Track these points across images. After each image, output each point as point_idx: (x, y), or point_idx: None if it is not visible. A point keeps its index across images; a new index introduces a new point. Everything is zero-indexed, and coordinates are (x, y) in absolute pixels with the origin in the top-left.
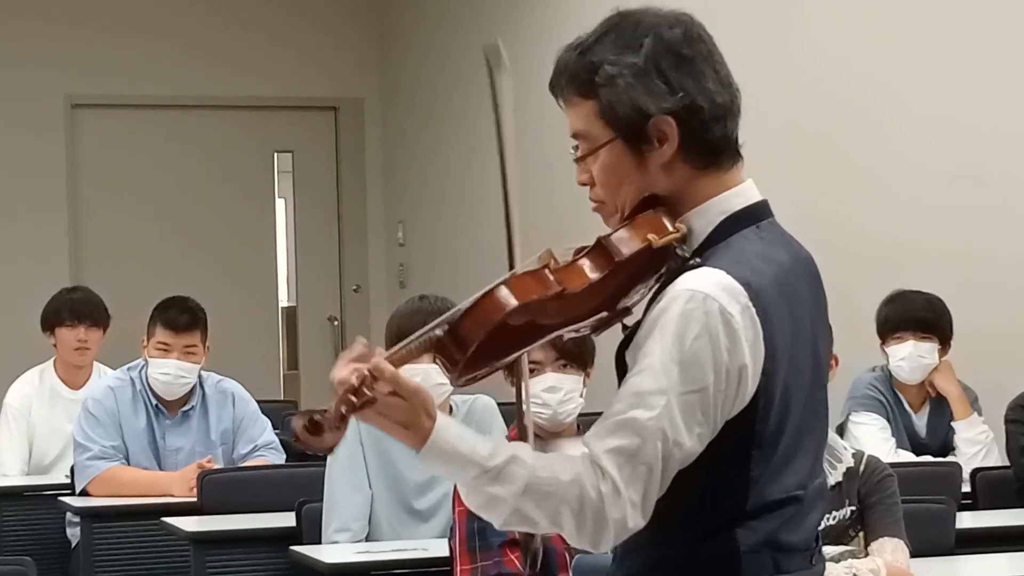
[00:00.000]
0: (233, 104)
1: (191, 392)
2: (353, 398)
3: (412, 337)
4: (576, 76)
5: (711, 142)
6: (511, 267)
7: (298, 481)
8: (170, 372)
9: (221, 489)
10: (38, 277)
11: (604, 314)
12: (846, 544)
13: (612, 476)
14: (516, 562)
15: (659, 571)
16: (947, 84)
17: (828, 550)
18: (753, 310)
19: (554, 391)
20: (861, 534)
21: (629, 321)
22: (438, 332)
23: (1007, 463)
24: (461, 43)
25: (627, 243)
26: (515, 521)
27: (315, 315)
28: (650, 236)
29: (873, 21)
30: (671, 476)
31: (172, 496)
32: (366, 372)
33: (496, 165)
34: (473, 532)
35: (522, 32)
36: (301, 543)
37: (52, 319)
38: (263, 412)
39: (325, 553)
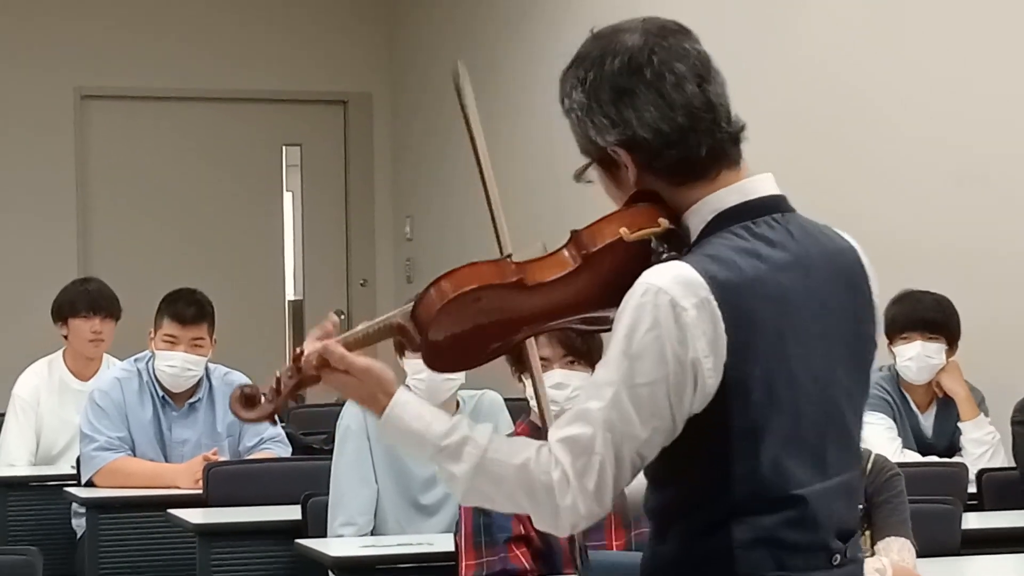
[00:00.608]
0: (242, 97)
1: (198, 384)
2: (288, 374)
3: (375, 320)
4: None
5: (669, 165)
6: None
7: (304, 474)
8: (177, 364)
9: (227, 482)
10: (46, 268)
11: (594, 314)
12: None
13: (563, 464)
14: (521, 558)
15: (662, 566)
16: (948, 83)
17: None
18: (714, 304)
19: (561, 388)
20: (867, 533)
21: None
22: (399, 318)
23: (1013, 464)
24: (472, 37)
25: (599, 236)
26: (473, 498)
27: (322, 309)
28: (622, 230)
29: (873, 21)
30: (629, 467)
31: (178, 488)
32: (315, 352)
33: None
34: (479, 527)
35: (531, 26)
36: (307, 536)
37: (67, 310)
38: None
39: (330, 546)
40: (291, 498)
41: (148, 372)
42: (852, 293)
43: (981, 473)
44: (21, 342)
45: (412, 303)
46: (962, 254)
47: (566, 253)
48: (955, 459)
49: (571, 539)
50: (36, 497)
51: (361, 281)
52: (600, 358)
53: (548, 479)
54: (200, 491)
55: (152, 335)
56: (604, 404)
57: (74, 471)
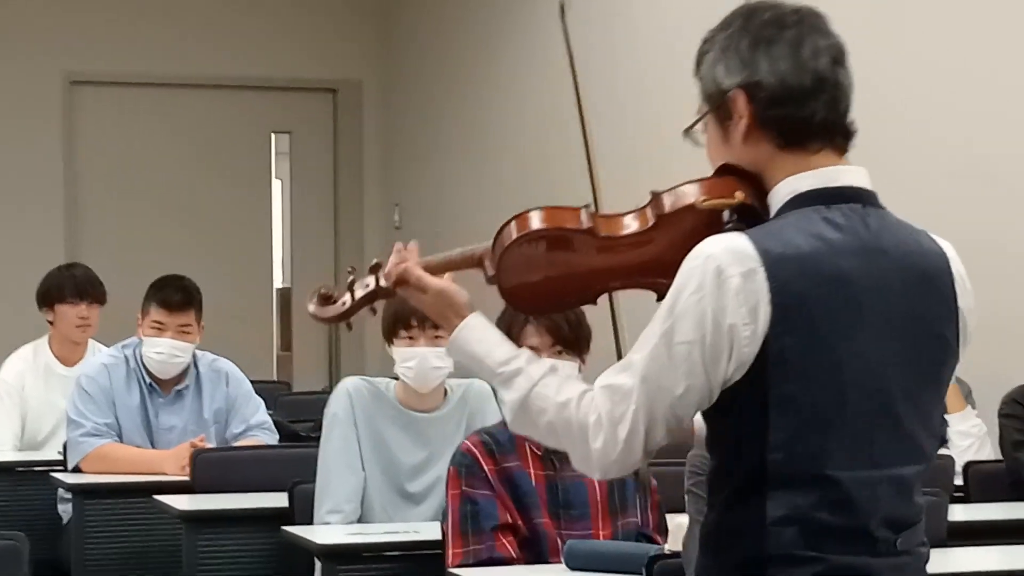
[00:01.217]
0: (231, 84)
1: (185, 371)
2: (365, 284)
3: (459, 249)
4: (695, 59)
5: (783, 120)
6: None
7: (291, 461)
8: (164, 351)
9: (214, 468)
10: (33, 254)
11: (661, 280)
12: None
13: (600, 410)
14: (508, 547)
15: (708, 535)
16: (948, 78)
17: None
18: (762, 274)
19: None
20: None
21: None
22: (480, 251)
23: (1000, 457)
24: (463, 26)
25: (675, 200)
26: (519, 425)
27: None
28: (697, 197)
29: (874, 16)
30: (662, 422)
31: (164, 474)
32: (395, 269)
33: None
34: (465, 515)
35: (525, 14)
36: (293, 523)
37: (53, 295)
38: (257, 392)
39: (317, 534)
40: (278, 485)
41: (135, 358)
42: (928, 293)
43: (967, 465)
44: (7, 327)
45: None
46: (956, 248)
47: (645, 212)
48: (941, 451)
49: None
50: (22, 482)
51: (349, 269)
52: (587, 347)
53: (584, 421)
54: (187, 478)
55: (140, 321)
56: (644, 356)
57: (60, 457)
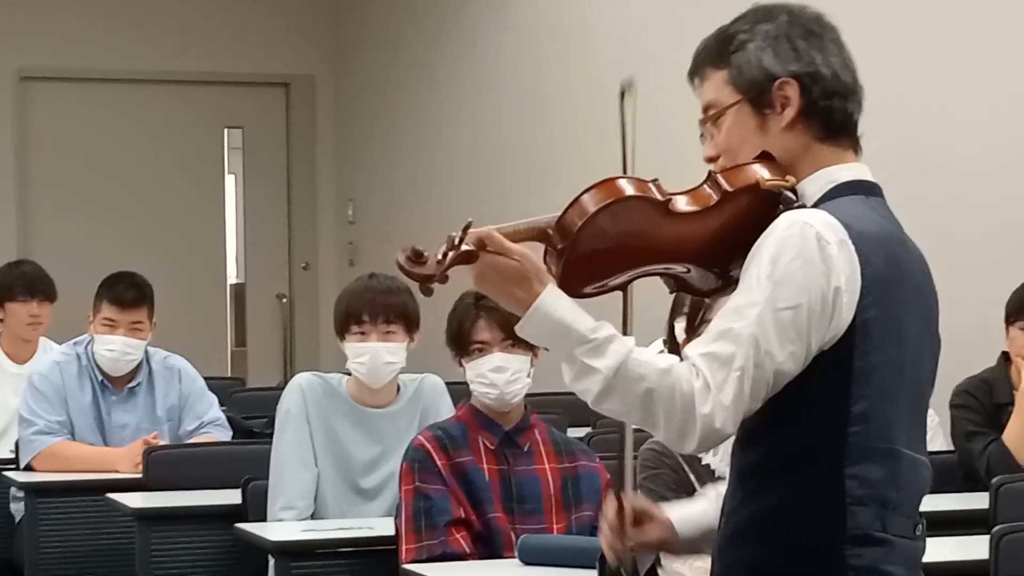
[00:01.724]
0: (184, 79)
1: (137, 368)
2: (456, 245)
3: (524, 220)
4: (713, 51)
5: (830, 112)
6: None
7: (244, 458)
8: (116, 348)
9: (167, 465)
10: None
11: (712, 271)
12: None
13: (705, 375)
14: (461, 541)
15: (764, 522)
16: (894, 74)
17: None
18: (852, 247)
19: (501, 371)
20: None
21: None
22: (544, 224)
23: (952, 448)
24: (415, 21)
25: (736, 178)
26: (607, 398)
27: (264, 292)
28: (759, 177)
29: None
30: (763, 390)
31: (117, 472)
32: (477, 234)
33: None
34: (419, 511)
35: (474, 9)
36: (246, 520)
37: (3, 293)
38: (211, 389)
39: (270, 531)
40: (231, 482)
41: (87, 356)
42: (932, 290)
43: None
44: None
45: (560, 213)
46: None
47: (706, 188)
48: None
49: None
50: None
51: (303, 264)
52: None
53: (690, 386)
54: (140, 475)
55: (91, 318)
56: (747, 323)
57: (12, 455)
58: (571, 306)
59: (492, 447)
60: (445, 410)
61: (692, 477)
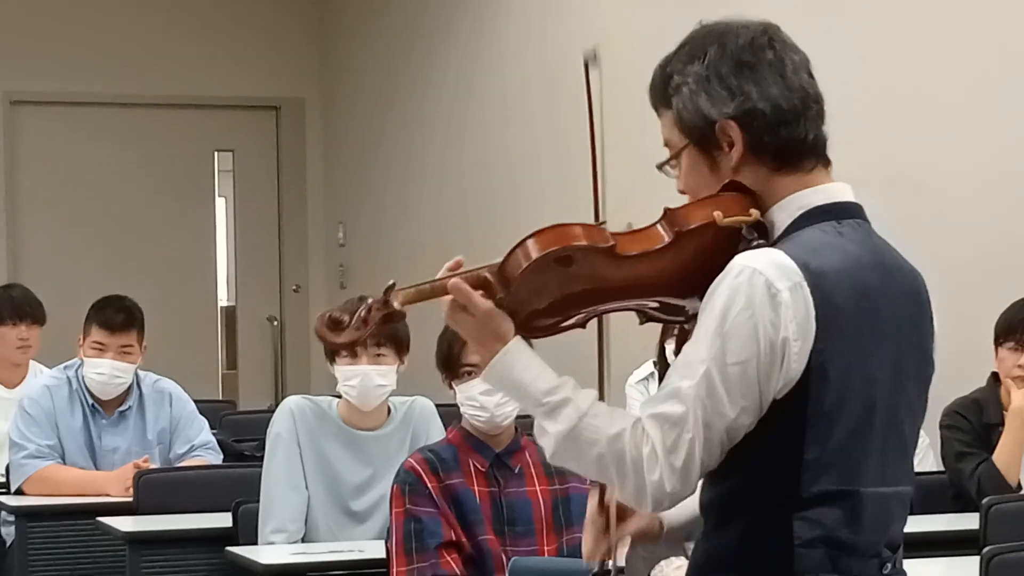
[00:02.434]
0: (174, 103)
1: (128, 392)
2: (378, 306)
3: (461, 271)
4: (656, 88)
5: (779, 145)
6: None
7: (235, 481)
8: (105, 372)
9: (157, 489)
10: None
11: (689, 299)
12: None
13: (653, 439)
14: (452, 564)
15: (716, 558)
16: (877, 93)
17: None
18: (807, 289)
19: (491, 394)
20: None
21: None
22: (485, 272)
23: (942, 468)
24: (403, 44)
25: (692, 216)
26: (561, 458)
27: (254, 315)
28: (716, 213)
29: (796, 28)
30: (718, 447)
31: (108, 496)
32: (445, 283)
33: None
34: (410, 534)
35: (463, 32)
36: (237, 543)
37: None
38: (201, 412)
39: (261, 554)
40: (222, 505)
41: (78, 379)
42: (919, 310)
43: None
44: None
45: (501, 259)
46: None
47: (659, 228)
48: None
49: (602, 566)
50: None
51: (294, 287)
52: None
53: (638, 453)
54: (130, 499)
55: (81, 342)
56: (695, 382)
57: (3, 479)
58: (529, 365)
59: (483, 469)
60: (436, 432)
61: None
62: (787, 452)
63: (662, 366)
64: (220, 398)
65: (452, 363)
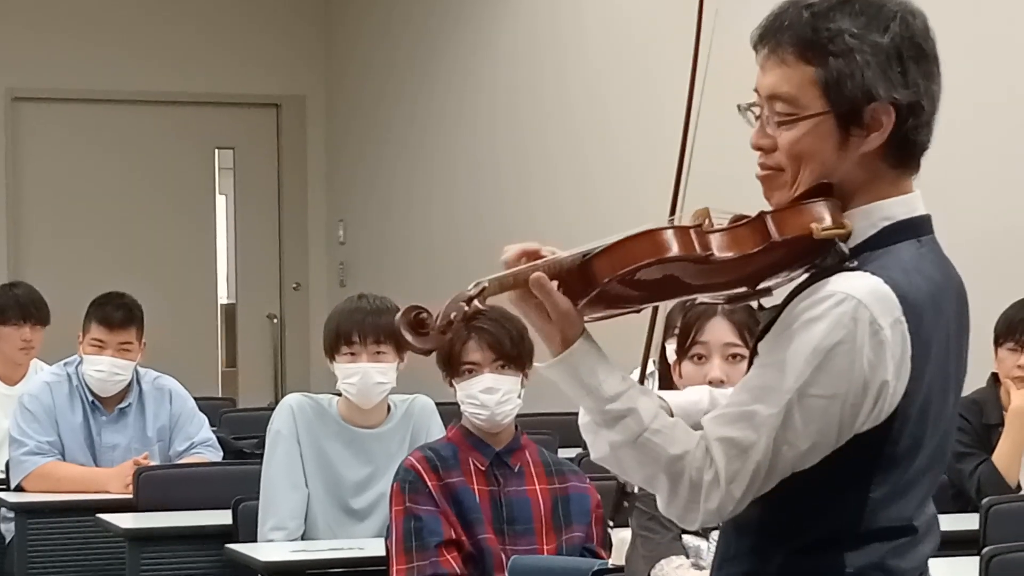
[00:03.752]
0: (175, 100)
1: (128, 388)
2: (465, 306)
3: (544, 260)
4: (804, 37)
5: (916, 144)
6: (672, 211)
7: (235, 479)
8: (104, 369)
9: (157, 486)
10: None
11: (743, 289)
12: None
13: (717, 466)
14: (452, 562)
15: None
16: None
17: None
18: (905, 326)
19: (492, 392)
20: None
21: (767, 303)
22: (569, 261)
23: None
24: (408, 40)
25: (789, 225)
26: (610, 463)
27: (254, 312)
28: (813, 225)
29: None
30: (778, 476)
31: (108, 492)
32: (524, 271)
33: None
34: (410, 532)
35: (468, 35)
36: (237, 541)
37: None
38: (201, 409)
39: (261, 551)
40: (221, 502)
41: (78, 376)
42: (966, 324)
43: None
44: None
45: (585, 253)
46: None
47: (752, 233)
48: None
49: (623, 487)
50: None
51: (294, 285)
52: (530, 362)
53: (699, 478)
54: (130, 496)
55: (81, 339)
56: (775, 411)
57: (2, 475)
58: (594, 369)
59: (483, 468)
60: (436, 430)
61: None
62: (855, 489)
63: (662, 366)
64: (220, 395)
65: (452, 361)
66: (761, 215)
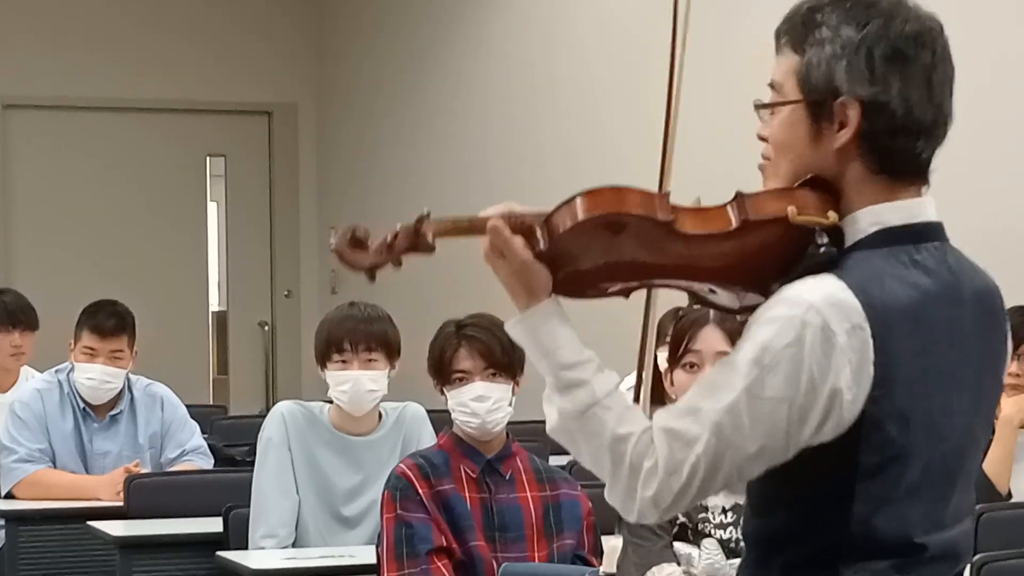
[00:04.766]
0: (166, 107)
1: (119, 396)
2: (405, 234)
3: (509, 211)
4: (795, 28)
5: (890, 151)
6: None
7: (226, 486)
8: (96, 377)
9: (148, 493)
10: None
11: (746, 290)
12: None
13: (659, 455)
14: (443, 570)
15: None
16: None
17: (734, 562)
18: (867, 332)
19: (483, 400)
20: None
21: None
22: (532, 217)
23: None
24: (398, 50)
25: (765, 206)
26: (561, 435)
27: (246, 320)
28: (790, 208)
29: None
30: (721, 480)
31: (99, 500)
32: (485, 219)
33: None
34: (400, 539)
35: (460, 42)
36: (228, 548)
37: None
38: (192, 416)
39: (252, 559)
40: (213, 510)
41: (69, 383)
42: (994, 335)
43: None
44: None
45: (551, 209)
46: None
47: (727, 211)
48: None
49: None
50: None
51: (286, 292)
52: (521, 370)
53: (639, 463)
54: (121, 503)
55: (72, 347)
56: (719, 407)
57: None
58: (554, 332)
59: (474, 475)
60: (427, 438)
61: None
62: (835, 503)
63: (653, 374)
64: (211, 403)
65: (443, 369)
66: (737, 195)
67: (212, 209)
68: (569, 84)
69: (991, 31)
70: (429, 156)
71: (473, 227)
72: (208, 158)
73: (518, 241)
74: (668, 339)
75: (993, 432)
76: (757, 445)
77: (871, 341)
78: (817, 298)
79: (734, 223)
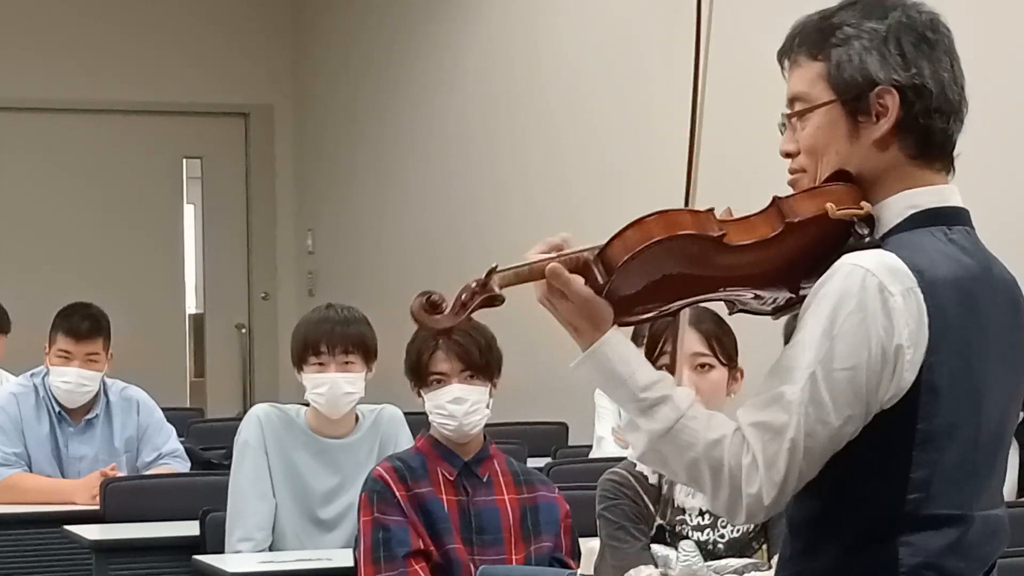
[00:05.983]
0: (142, 109)
1: (95, 399)
2: (477, 290)
3: (563, 252)
4: (810, 36)
5: (929, 131)
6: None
7: (202, 489)
8: (71, 380)
9: (124, 497)
10: None
11: (780, 290)
12: (749, 557)
13: (755, 450)
14: (420, 573)
15: None
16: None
17: (732, 562)
18: (920, 295)
19: (460, 402)
20: (765, 547)
21: None
22: (587, 253)
23: None
24: (379, 50)
25: (803, 206)
26: (652, 459)
27: (223, 322)
28: (829, 204)
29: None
30: (819, 457)
31: (74, 504)
32: (542, 266)
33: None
34: (378, 542)
35: (439, 42)
36: (205, 552)
37: None
38: (169, 420)
39: (228, 562)
40: (189, 513)
41: (44, 387)
42: (1019, 330)
43: None
44: None
45: (604, 243)
46: None
47: (767, 218)
48: None
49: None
50: None
51: (263, 294)
52: (498, 372)
53: (737, 463)
54: (97, 507)
55: (47, 350)
56: (799, 387)
57: None
58: (627, 358)
59: (451, 478)
60: (404, 441)
61: (652, 508)
62: (894, 470)
63: None
64: (188, 406)
65: (421, 371)
66: (775, 200)
67: (189, 211)
68: (552, 81)
69: (999, 26)
70: (408, 157)
71: (533, 273)
72: (184, 160)
73: (578, 280)
74: (644, 340)
75: None
76: (843, 416)
77: (924, 305)
78: (871, 263)
79: (779, 227)
